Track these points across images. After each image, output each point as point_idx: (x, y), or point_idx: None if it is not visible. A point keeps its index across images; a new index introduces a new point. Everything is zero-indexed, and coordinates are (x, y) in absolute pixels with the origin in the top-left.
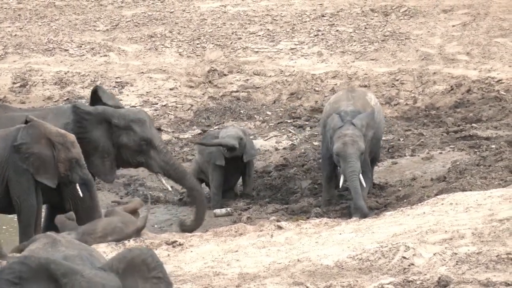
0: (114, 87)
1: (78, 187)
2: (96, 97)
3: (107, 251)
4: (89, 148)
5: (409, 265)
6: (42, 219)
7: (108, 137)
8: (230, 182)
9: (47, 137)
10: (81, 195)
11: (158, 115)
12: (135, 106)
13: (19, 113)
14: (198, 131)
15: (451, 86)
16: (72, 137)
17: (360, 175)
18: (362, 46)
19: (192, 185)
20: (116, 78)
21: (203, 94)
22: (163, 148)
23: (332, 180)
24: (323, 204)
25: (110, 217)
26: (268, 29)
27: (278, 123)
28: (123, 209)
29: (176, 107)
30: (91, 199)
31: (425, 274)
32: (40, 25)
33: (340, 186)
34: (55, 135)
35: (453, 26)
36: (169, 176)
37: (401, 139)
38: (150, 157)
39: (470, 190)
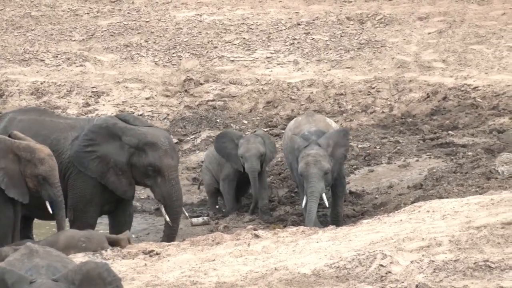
0: (90, 96)
1: (48, 205)
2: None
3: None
4: (100, 163)
5: (386, 273)
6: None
7: (121, 154)
8: (241, 192)
9: (14, 152)
10: (50, 212)
11: None
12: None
13: (52, 118)
14: (174, 140)
15: (427, 94)
16: (43, 153)
17: (323, 195)
18: (338, 54)
19: (175, 229)
20: (92, 87)
21: (179, 103)
22: (172, 180)
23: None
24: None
25: (75, 230)
26: (244, 38)
27: (255, 131)
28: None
29: (152, 116)
30: (57, 220)
31: (403, 282)
32: (16, 36)
33: (303, 206)
34: (23, 150)
35: (429, 33)
36: (165, 208)
37: (378, 147)
38: (156, 183)
39: (447, 198)
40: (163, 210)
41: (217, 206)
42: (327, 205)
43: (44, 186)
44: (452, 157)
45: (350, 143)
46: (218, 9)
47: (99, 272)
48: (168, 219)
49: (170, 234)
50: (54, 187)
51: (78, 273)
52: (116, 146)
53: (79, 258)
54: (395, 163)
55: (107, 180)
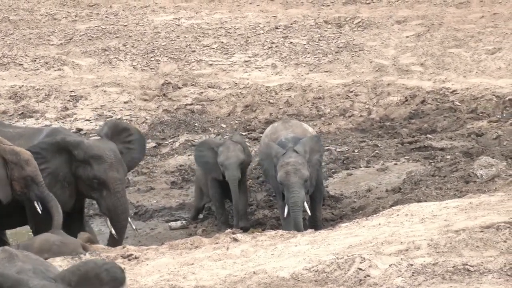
0: (69, 100)
1: (36, 204)
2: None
3: (62, 265)
4: (52, 179)
5: (365, 277)
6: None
7: (69, 167)
8: (227, 196)
9: (1, 156)
10: (39, 211)
11: None
12: (89, 120)
13: (1, 128)
14: (153, 144)
15: (406, 97)
16: (27, 154)
17: (305, 203)
18: (316, 58)
19: (120, 241)
20: (71, 91)
21: (157, 107)
22: (117, 193)
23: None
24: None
25: (49, 234)
26: (222, 42)
27: (231, 136)
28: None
29: (131, 120)
30: (49, 215)
31: (381, 286)
32: None
33: (285, 216)
34: (9, 154)
35: (407, 37)
36: (110, 221)
37: (356, 151)
38: (101, 196)
39: (426, 201)
40: (108, 223)
41: (200, 215)
42: (309, 213)
43: (31, 186)
44: (431, 161)
45: (324, 148)
46: (196, 13)
47: (97, 273)
48: (114, 232)
49: (113, 246)
50: (40, 185)
51: (76, 274)
52: (65, 160)
53: (57, 262)
54: (373, 167)
55: (54, 193)
